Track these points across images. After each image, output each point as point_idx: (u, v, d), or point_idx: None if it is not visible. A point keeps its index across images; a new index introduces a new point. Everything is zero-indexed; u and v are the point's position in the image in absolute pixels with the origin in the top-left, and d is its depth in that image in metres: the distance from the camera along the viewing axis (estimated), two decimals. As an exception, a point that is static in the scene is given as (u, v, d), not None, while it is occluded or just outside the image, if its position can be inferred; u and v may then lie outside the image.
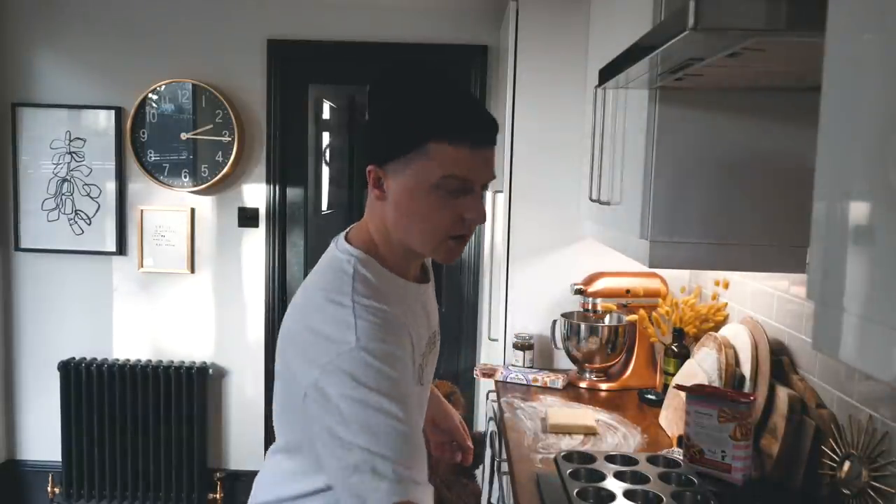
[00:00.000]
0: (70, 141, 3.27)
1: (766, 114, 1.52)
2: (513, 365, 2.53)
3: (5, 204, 3.33)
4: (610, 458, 1.74)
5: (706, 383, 1.83)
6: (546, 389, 2.39)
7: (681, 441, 1.78)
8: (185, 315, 3.38)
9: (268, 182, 3.30)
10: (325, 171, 3.69)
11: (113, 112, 3.26)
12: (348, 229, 1.27)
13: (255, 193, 3.32)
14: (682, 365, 2.13)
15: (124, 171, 3.30)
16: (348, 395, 1.01)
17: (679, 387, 1.80)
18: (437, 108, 1.13)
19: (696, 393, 1.70)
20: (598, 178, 2.01)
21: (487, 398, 2.54)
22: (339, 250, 1.22)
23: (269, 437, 3.39)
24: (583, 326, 2.44)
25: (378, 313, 1.08)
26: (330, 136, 3.80)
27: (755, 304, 2.04)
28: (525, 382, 2.42)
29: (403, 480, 0.98)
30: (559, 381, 2.40)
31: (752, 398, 1.66)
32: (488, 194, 2.69)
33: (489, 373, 2.50)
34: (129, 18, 3.24)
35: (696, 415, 1.68)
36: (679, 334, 2.23)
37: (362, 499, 0.99)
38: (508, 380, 2.44)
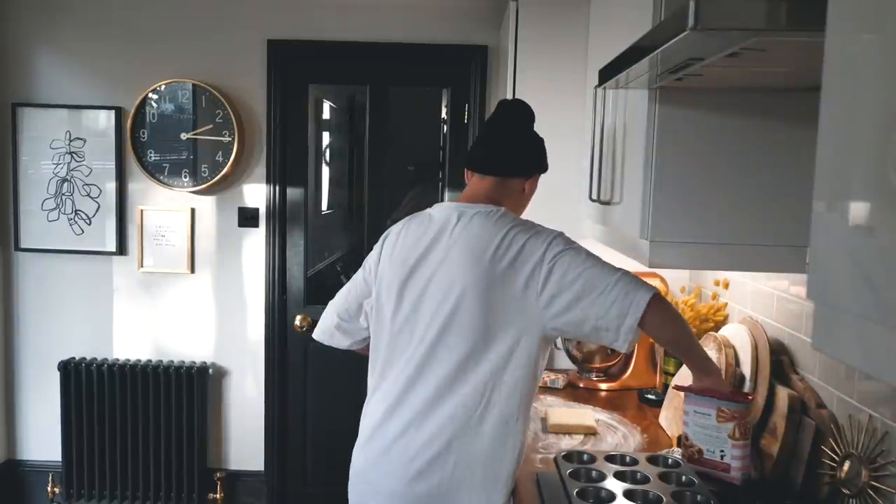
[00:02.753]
0: (70, 141, 3.27)
1: (766, 114, 1.52)
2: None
3: (5, 204, 3.33)
4: (610, 458, 1.74)
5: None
6: (546, 389, 2.39)
7: (680, 441, 1.79)
8: (185, 315, 3.38)
9: (268, 182, 3.30)
10: (325, 171, 3.70)
11: (113, 112, 3.26)
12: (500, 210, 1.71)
13: (255, 193, 3.32)
14: (682, 365, 2.13)
15: (124, 171, 3.30)
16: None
17: (678, 387, 1.80)
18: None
19: (694, 392, 1.70)
20: (598, 178, 2.01)
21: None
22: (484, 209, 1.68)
23: (270, 437, 3.41)
24: (583, 326, 2.43)
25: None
26: (330, 136, 3.80)
27: (755, 304, 2.04)
28: None
29: None
30: (559, 381, 2.40)
31: (750, 398, 1.66)
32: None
33: None
34: (129, 18, 3.24)
35: (695, 414, 1.68)
36: (679, 334, 2.23)
37: None
38: None
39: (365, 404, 1.72)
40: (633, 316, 1.45)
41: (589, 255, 1.56)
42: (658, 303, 1.47)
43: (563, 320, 1.51)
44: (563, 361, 2.55)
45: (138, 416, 3.30)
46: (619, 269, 1.53)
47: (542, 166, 1.81)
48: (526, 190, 1.77)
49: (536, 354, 1.55)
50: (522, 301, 1.53)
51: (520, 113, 1.79)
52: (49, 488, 3.38)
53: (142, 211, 3.30)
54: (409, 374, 1.59)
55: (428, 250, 1.64)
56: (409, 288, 1.64)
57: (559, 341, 2.52)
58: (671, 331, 1.55)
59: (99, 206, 3.30)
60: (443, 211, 1.69)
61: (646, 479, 1.63)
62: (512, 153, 1.75)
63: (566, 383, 2.43)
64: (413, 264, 1.64)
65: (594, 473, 1.66)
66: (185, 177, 3.24)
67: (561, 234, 1.61)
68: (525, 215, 2.56)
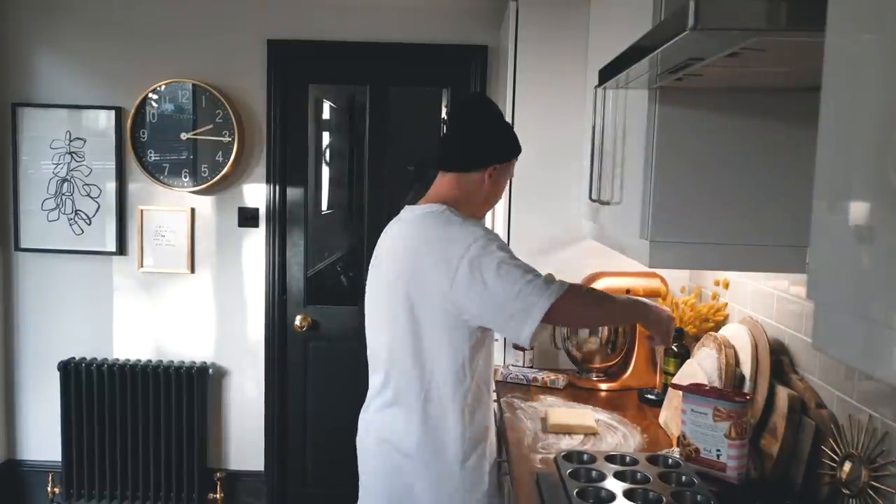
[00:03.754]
0: (70, 141, 3.27)
1: (766, 114, 1.52)
2: (513, 365, 2.53)
3: (5, 204, 3.33)
4: (610, 458, 1.74)
5: (706, 383, 1.83)
6: (546, 389, 2.39)
7: (679, 440, 1.79)
8: (185, 315, 3.38)
9: (268, 182, 3.30)
10: (325, 171, 3.70)
11: (113, 112, 3.26)
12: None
13: (255, 193, 3.32)
14: (682, 365, 2.13)
15: (124, 171, 3.30)
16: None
17: (675, 385, 1.80)
18: (513, 133, 1.86)
19: (691, 391, 1.70)
20: (598, 178, 2.01)
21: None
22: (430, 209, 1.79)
23: (270, 437, 3.41)
24: (583, 326, 2.44)
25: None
26: (330, 136, 3.80)
27: (755, 304, 2.04)
28: (525, 382, 2.42)
29: None
30: (560, 381, 2.40)
31: (746, 397, 1.66)
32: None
33: None
34: (130, 18, 3.24)
35: (692, 413, 1.68)
36: (679, 334, 2.23)
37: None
38: (508, 379, 2.45)
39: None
40: (528, 328, 1.58)
41: (501, 263, 1.61)
42: (562, 303, 1.58)
43: (476, 321, 1.66)
44: (564, 361, 2.55)
45: (138, 416, 3.30)
46: (527, 276, 1.60)
47: (499, 157, 1.80)
48: (487, 182, 1.80)
49: (460, 344, 1.68)
50: (443, 298, 1.65)
51: (474, 107, 1.85)
52: (49, 488, 3.38)
53: (142, 211, 3.30)
54: (374, 367, 1.84)
55: (380, 254, 1.84)
56: (370, 290, 1.85)
57: (559, 342, 2.52)
58: (582, 321, 1.91)
59: (99, 206, 3.30)
60: (402, 213, 1.84)
61: (646, 479, 1.63)
62: (464, 148, 1.81)
63: (566, 383, 2.42)
64: (373, 266, 1.85)
65: (594, 473, 1.66)
66: (185, 177, 3.24)
67: (481, 239, 1.65)
68: (528, 214, 2.57)
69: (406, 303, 1.69)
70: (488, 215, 3.01)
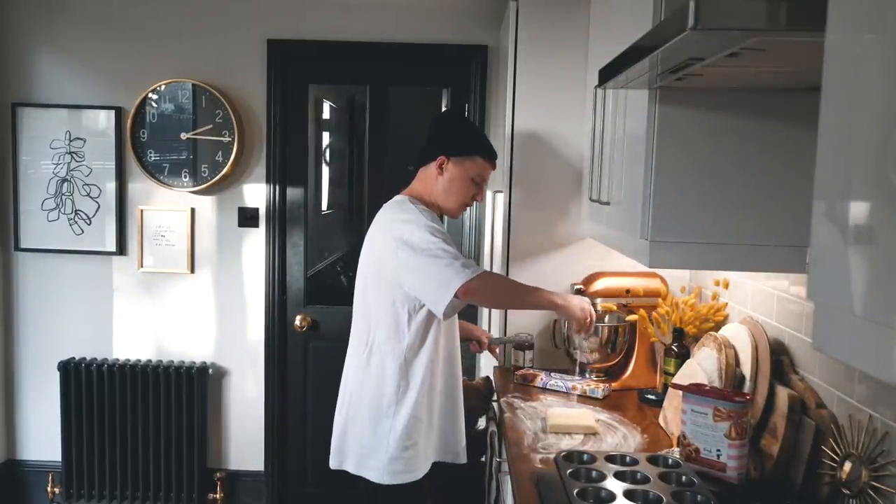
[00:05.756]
0: (70, 141, 3.27)
1: (766, 114, 1.52)
2: (556, 371, 2.48)
3: (5, 204, 3.33)
4: (610, 458, 1.73)
5: (706, 383, 1.83)
6: (546, 390, 2.38)
7: (679, 440, 1.79)
8: (185, 315, 3.38)
9: (268, 182, 3.30)
10: (325, 171, 3.70)
11: (113, 112, 3.26)
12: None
13: (255, 193, 3.32)
14: (682, 365, 2.13)
15: (124, 171, 3.30)
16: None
17: (675, 385, 1.80)
18: (482, 138, 2.17)
19: (691, 391, 1.70)
20: (598, 178, 2.01)
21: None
22: (396, 198, 2.14)
23: (270, 437, 3.41)
24: (583, 326, 2.43)
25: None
26: (330, 136, 3.80)
27: (755, 304, 2.04)
28: (564, 390, 2.37)
29: None
30: (599, 391, 2.32)
31: (746, 397, 1.66)
32: (489, 193, 2.87)
33: (529, 377, 2.46)
34: (129, 18, 3.24)
35: (692, 413, 1.68)
36: (679, 334, 2.23)
37: None
38: (548, 386, 2.40)
39: None
40: (445, 300, 1.88)
41: (432, 244, 1.91)
42: (474, 283, 1.87)
43: (410, 290, 1.97)
44: (563, 361, 2.55)
45: (138, 416, 3.30)
46: (448, 258, 1.89)
47: (448, 150, 2.06)
48: (443, 174, 2.07)
49: (400, 307, 2.00)
50: (386, 268, 1.99)
51: (440, 115, 2.25)
52: (49, 488, 3.38)
53: (142, 211, 3.30)
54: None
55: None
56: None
57: (558, 342, 2.52)
58: (493, 303, 2.25)
59: (99, 206, 3.30)
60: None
61: (646, 479, 1.62)
62: (423, 145, 2.13)
63: (606, 394, 2.31)
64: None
65: (594, 473, 1.66)
66: (185, 177, 3.24)
67: (422, 224, 1.95)
68: (528, 214, 2.62)
69: (363, 271, 2.10)
70: (487, 213, 3.04)
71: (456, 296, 1.87)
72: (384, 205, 2.13)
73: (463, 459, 2.17)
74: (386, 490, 2.01)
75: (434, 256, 1.90)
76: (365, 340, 2.07)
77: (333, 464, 2.17)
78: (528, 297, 2.07)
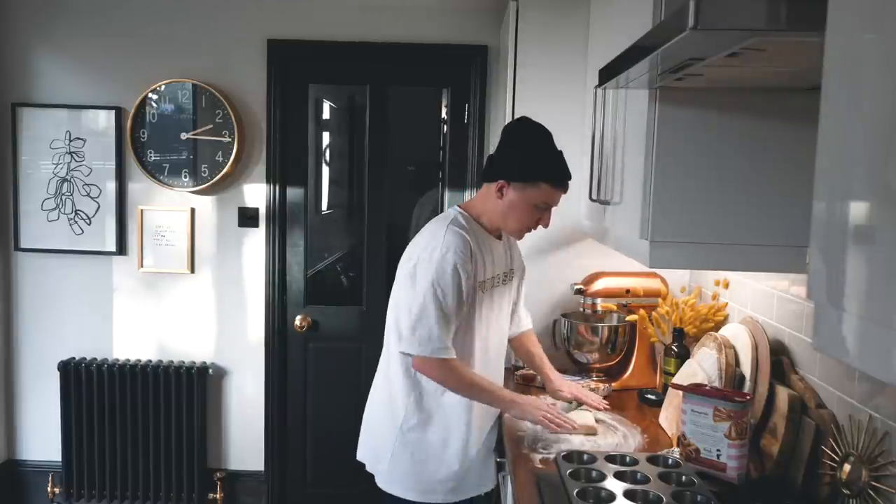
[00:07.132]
0: (70, 141, 3.27)
1: (766, 114, 1.52)
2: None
3: (5, 204, 3.33)
4: (610, 458, 1.74)
5: (706, 383, 1.83)
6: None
7: (679, 440, 1.79)
8: (185, 315, 3.38)
9: (268, 182, 3.30)
10: (325, 171, 3.70)
11: (113, 112, 3.26)
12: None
13: (255, 193, 3.32)
14: (682, 365, 2.13)
15: (124, 171, 3.30)
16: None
17: (675, 385, 1.80)
18: (551, 161, 1.90)
19: (691, 391, 1.70)
20: (598, 178, 2.01)
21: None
22: (448, 212, 2.02)
23: (270, 437, 3.41)
24: (583, 326, 2.44)
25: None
26: (330, 136, 3.80)
27: (755, 304, 2.04)
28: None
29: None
30: (599, 391, 2.29)
31: (746, 397, 1.66)
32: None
33: (530, 377, 2.44)
34: (129, 18, 3.24)
35: (692, 413, 1.68)
36: (679, 334, 2.23)
37: None
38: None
39: None
40: (405, 348, 1.86)
41: (432, 292, 1.81)
42: (424, 364, 1.85)
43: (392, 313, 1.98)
44: (563, 361, 2.55)
45: (138, 417, 3.30)
46: (431, 321, 1.81)
47: (508, 174, 1.89)
48: (503, 196, 1.91)
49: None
50: (399, 283, 1.96)
51: (510, 126, 2.00)
52: (49, 488, 3.38)
53: (142, 211, 3.30)
54: None
55: None
56: None
57: (558, 342, 2.52)
58: (443, 385, 1.91)
59: (99, 206, 3.30)
60: None
61: (646, 479, 1.63)
62: (489, 160, 1.99)
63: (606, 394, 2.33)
64: None
65: (594, 473, 1.66)
66: (185, 177, 3.24)
67: (436, 257, 1.84)
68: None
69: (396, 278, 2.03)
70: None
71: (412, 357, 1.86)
72: (436, 216, 2.05)
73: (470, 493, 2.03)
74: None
75: (423, 308, 1.82)
76: (385, 351, 2.05)
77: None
78: (483, 395, 1.94)
